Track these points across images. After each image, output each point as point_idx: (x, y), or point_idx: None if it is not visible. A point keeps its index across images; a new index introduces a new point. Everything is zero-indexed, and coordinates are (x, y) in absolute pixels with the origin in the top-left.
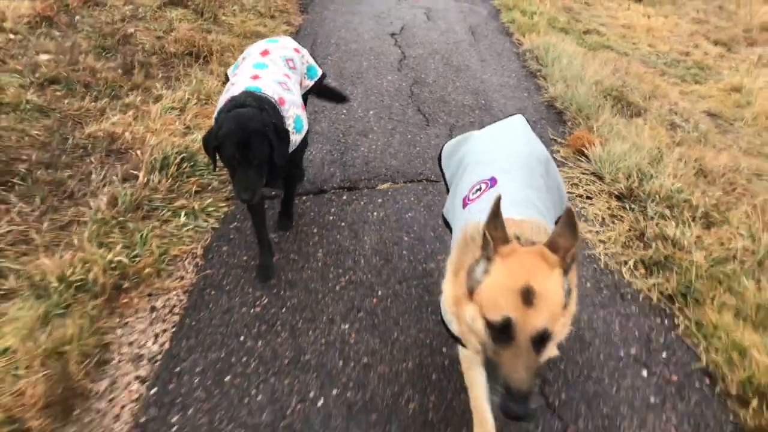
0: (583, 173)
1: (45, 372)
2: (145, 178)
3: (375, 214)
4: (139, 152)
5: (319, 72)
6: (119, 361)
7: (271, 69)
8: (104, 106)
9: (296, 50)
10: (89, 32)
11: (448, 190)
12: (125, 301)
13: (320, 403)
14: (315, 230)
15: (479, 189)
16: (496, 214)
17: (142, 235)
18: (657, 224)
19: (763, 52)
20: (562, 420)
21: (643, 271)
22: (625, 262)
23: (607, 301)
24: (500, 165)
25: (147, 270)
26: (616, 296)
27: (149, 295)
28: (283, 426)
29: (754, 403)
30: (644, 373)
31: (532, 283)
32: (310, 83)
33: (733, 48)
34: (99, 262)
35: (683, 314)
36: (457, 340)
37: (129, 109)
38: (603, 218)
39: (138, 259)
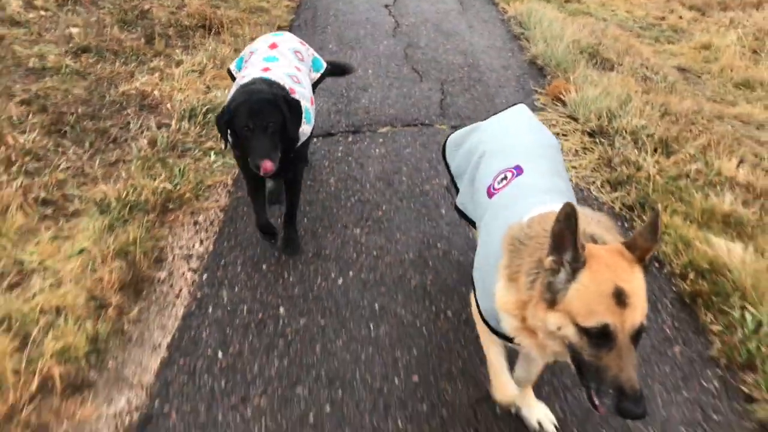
0: (560, 116)
1: (116, 265)
2: (177, 125)
3: (377, 150)
4: (168, 106)
5: (324, 64)
6: (173, 259)
7: (282, 62)
8: (133, 69)
9: (302, 43)
10: (110, 8)
11: (454, 184)
12: (172, 218)
13: (340, 281)
14: (326, 163)
15: (505, 178)
16: (570, 222)
17: (180, 169)
18: (622, 153)
19: (735, 16)
20: None
21: (608, 188)
22: (594, 182)
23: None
24: (523, 153)
25: (187, 195)
26: (581, 204)
27: (191, 213)
28: (312, 296)
29: (692, 275)
30: None
31: (621, 284)
32: (316, 76)
33: (707, 12)
34: (148, 187)
35: (640, 219)
36: (504, 338)
37: (155, 72)
38: (576, 150)
39: (179, 186)
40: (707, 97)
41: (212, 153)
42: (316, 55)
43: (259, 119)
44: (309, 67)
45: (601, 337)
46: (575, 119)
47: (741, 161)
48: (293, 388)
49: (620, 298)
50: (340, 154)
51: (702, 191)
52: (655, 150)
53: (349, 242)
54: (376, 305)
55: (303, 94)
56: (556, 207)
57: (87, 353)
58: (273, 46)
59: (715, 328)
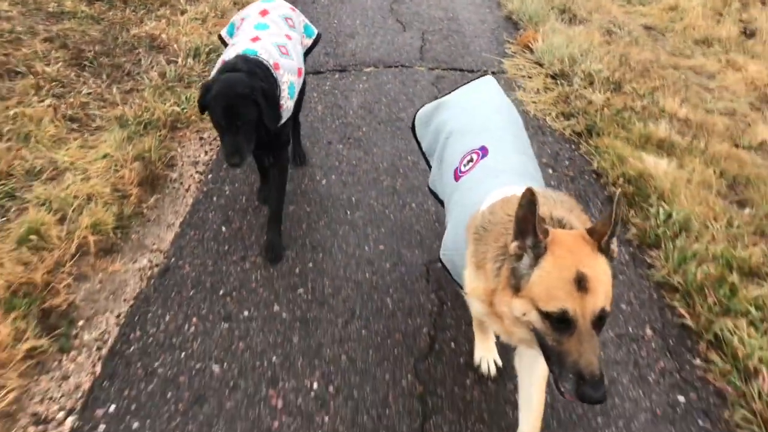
0: (527, 62)
1: (135, 166)
2: (184, 62)
3: (361, 85)
4: (175, 46)
5: (315, 31)
6: (182, 165)
7: (272, 29)
8: (141, 16)
9: (292, 9)
10: None
11: (426, 161)
12: (180, 134)
13: (324, 182)
14: (315, 95)
15: (471, 160)
16: (532, 207)
17: (186, 96)
18: (578, 91)
19: None
20: None
21: (562, 118)
22: (550, 113)
23: (533, 135)
24: (488, 133)
25: (193, 117)
26: (539, 132)
27: (197, 131)
28: (300, 191)
29: (620, 181)
30: (552, 176)
31: (583, 270)
32: (309, 42)
33: None
34: (159, 109)
35: (586, 142)
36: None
37: (161, 19)
38: (538, 89)
39: (185, 110)
40: (667, 51)
41: None
42: (307, 21)
43: (232, 117)
44: (301, 33)
45: (561, 322)
46: (540, 64)
47: (684, 101)
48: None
49: (581, 283)
50: (327, 88)
51: (643, 122)
52: (608, 90)
53: (333, 154)
54: (353, 198)
55: (289, 66)
56: (519, 190)
57: (114, 227)
58: (264, 12)
59: (634, 219)
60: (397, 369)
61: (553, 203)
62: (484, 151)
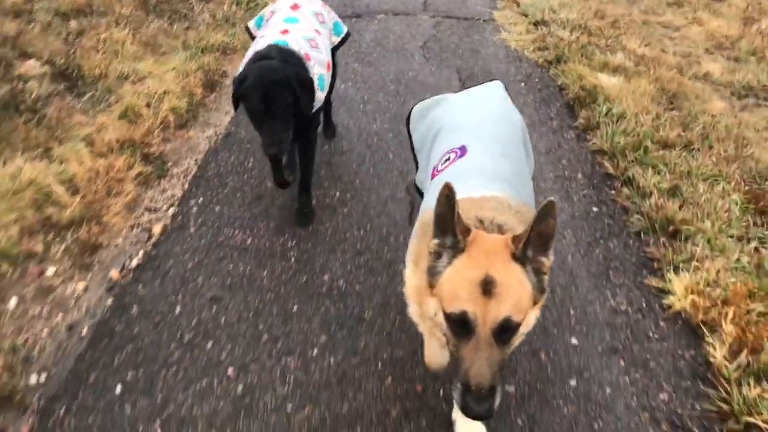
0: (514, 13)
1: (197, 75)
2: (229, 8)
3: (373, 27)
4: None
5: (345, 29)
6: (233, 75)
7: (302, 24)
8: None
9: (323, 5)
10: None
11: (414, 157)
12: (230, 57)
13: (342, 87)
14: None
15: (448, 159)
16: (451, 204)
17: (233, 32)
18: (553, 32)
19: None
20: None
21: (537, 51)
22: (528, 48)
23: (510, 61)
24: (472, 132)
25: (239, 46)
26: (517, 61)
27: (243, 56)
28: None
29: (577, 89)
30: (523, 89)
31: (492, 273)
32: (336, 40)
33: None
34: (213, 38)
35: (555, 67)
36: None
37: None
38: (520, 32)
39: (233, 41)
40: (640, 10)
41: None
42: (337, 18)
43: (269, 104)
44: (330, 30)
45: (461, 325)
46: (525, 15)
47: (645, 44)
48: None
49: (487, 287)
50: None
51: (604, 54)
52: (578, 32)
53: (350, 71)
54: (365, 97)
55: (319, 59)
56: (480, 192)
57: (186, 111)
58: (295, 6)
59: (584, 114)
60: (395, 187)
61: (504, 209)
62: (462, 151)
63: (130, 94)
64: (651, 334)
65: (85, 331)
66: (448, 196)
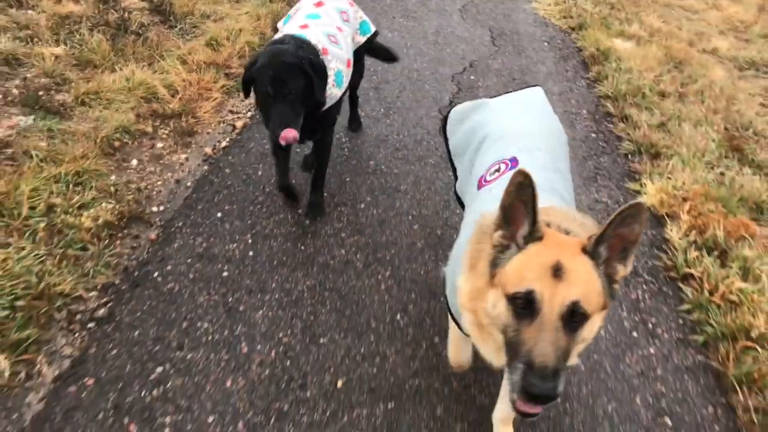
0: None
1: (268, 17)
2: None
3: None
4: None
5: (372, 28)
6: None
7: (324, 20)
8: None
9: (351, 4)
10: None
11: (451, 161)
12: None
13: (389, 35)
14: None
15: (498, 170)
16: (524, 192)
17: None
18: (578, 4)
19: None
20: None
21: (563, 19)
22: (554, 16)
23: (537, 26)
24: (523, 143)
25: None
26: (543, 26)
27: None
28: None
29: (596, 53)
30: (546, 47)
31: (564, 261)
32: (362, 39)
33: None
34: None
35: (576, 33)
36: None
37: None
38: (549, 3)
39: None
40: None
41: None
42: (365, 18)
43: (280, 86)
44: (355, 29)
45: (525, 306)
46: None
47: (662, 20)
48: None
49: (557, 271)
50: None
51: (622, 24)
52: (602, 5)
53: (396, 24)
54: (408, 43)
55: (338, 55)
56: (541, 203)
57: (258, 45)
58: (319, 4)
59: (596, 68)
60: (429, 108)
61: (571, 219)
62: (513, 163)
63: (213, 28)
64: None
65: (189, 182)
66: (521, 183)
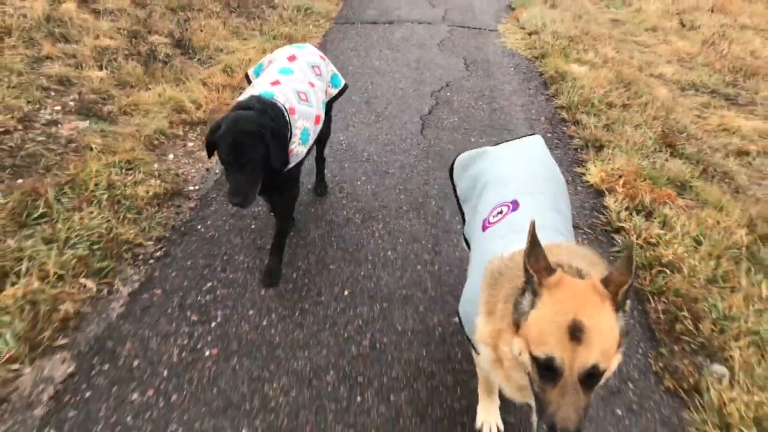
0: (514, 26)
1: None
2: (291, 12)
3: (401, 30)
4: (284, 5)
5: (342, 82)
6: None
7: (296, 76)
8: None
9: (322, 57)
10: None
11: (459, 207)
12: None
13: (369, 60)
14: (374, 34)
15: (500, 212)
16: (533, 242)
17: (295, 28)
18: (542, 39)
19: None
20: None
21: (528, 50)
22: (521, 48)
23: (505, 55)
24: (523, 187)
25: (302, 36)
26: (509, 55)
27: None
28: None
29: (554, 75)
30: (513, 71)
31: (581, 318)
32: (334, 92)
33: None
34: (281, 30)
35: (540, 61)
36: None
37: None
38: (516, 38)
39: (297, 32)
40: (621, 32)
41: (311, 25)
42: (335, 71)
43: (238, 156)
44: (326, 82)
45: (547, 369)
46: (522, 28)
47: (615, 51)
48: (343, 69)
49: (575, 333)
50: (380, 31)
51: (579, 54)
52: (563, 40)
53: (383, 55)
54: (393, 69)
55: (306, 113)
56: (544, 242)
57: None
58: (292, 58)
59: (554, 87)
60: (412, 116)
61: (576, 255)
62: (515, 205)
63: (226, 59)
64: (571, 193)
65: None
66: (532, 231)
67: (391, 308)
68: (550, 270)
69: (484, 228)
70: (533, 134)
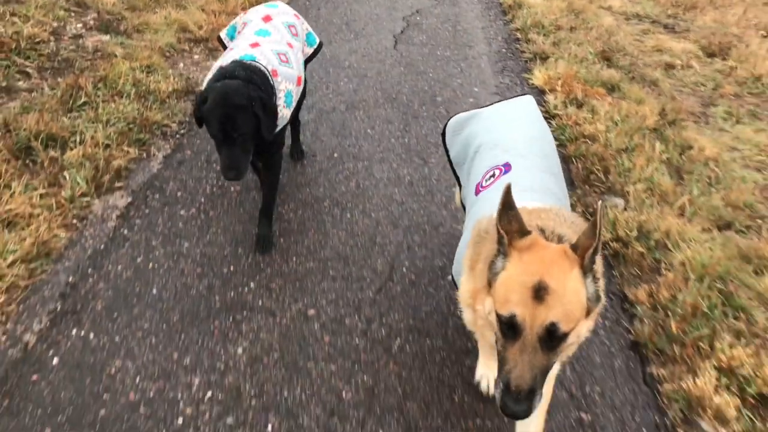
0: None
1: None
2: None
3: None
4: None
5: (317, 40)
6: None
7: (274, 37)
8: None
9: (296, 16)
10: None
11: (453, 171)
12: None
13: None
14: None
15: (493, 175)
16: (507, 205)
17: None
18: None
19: None
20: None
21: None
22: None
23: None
24: (516, 149)
25: None
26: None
27: None
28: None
29: (512, 4)
30: (475, 1)
31: (546, 279)
32: (309, 51)
33: None
34: None
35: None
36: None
37: None
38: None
39: None
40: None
41: None
42: (310, 29)
43: (229, 130)
44: (303, 42)
45: (509, 328)
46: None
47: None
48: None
49: (539, 293)
50: None
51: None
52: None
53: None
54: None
55: (288, 74)
56: (534, 204)
57: (255, 2)
58: (267, 18)
59: (511, 14)
60: (388, 35)
61: (563, 222)
62: (507, 168)
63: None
64: (518, 93)
65: None
66: (506, 192)
67: (371, 165)
68: (523, 232)
69: (477, 192)
70: (524, 94)
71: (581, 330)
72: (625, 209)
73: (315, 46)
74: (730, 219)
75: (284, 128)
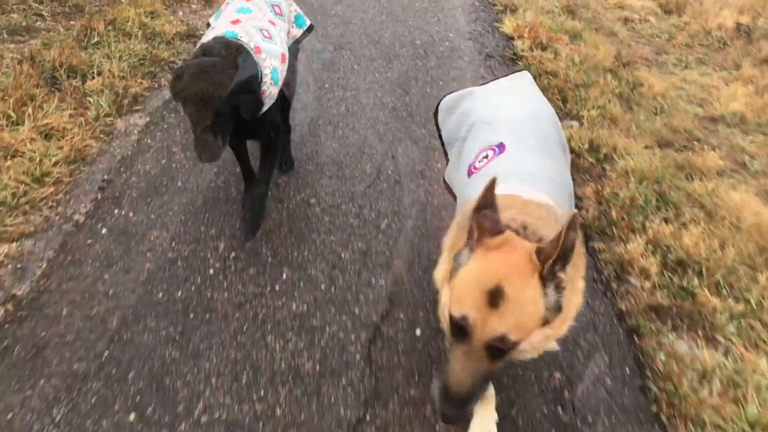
0: None
1: None
2: None
3: None
4: None
5: (308, 22)
6: None
7: (255, 14)
8: None
9: None
10: None
11: (445, 152)
12: None
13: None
14: None
15: (486, 156)
16: (486, 199)
17: None
18: None
19: None
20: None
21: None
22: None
23: None
24: (510, 129)
25: None
26: None
27: None
28: None
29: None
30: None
31: (504, 284)
32: (298, 32)
33: None
34: None
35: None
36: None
37: None
38: None
39: None
40: None
41: None
42: (299, 11)
43: (203, 113)
44: (290, 22)
45: (458, 328)
46: None
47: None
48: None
49: (495, 299)
50: None
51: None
52: None
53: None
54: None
55: (272, 51)
56: (530, 194)
57: None
58: None
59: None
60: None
61: (552, 221)
62: (501, 148)
63: None
64: (489, 40)
65: None
66: (489, 187)
67: (358, 94)
68: (496, 230)
69: (469, 174)
70: (520, 71)
71: (535, 339)
72: (580, 128)
73: (304, 28)
74: (671, 140)
75: (275, 109)
